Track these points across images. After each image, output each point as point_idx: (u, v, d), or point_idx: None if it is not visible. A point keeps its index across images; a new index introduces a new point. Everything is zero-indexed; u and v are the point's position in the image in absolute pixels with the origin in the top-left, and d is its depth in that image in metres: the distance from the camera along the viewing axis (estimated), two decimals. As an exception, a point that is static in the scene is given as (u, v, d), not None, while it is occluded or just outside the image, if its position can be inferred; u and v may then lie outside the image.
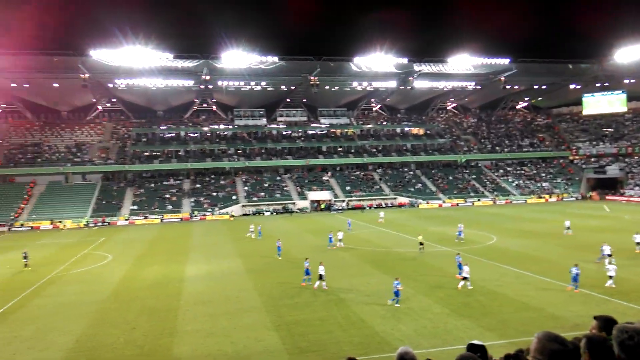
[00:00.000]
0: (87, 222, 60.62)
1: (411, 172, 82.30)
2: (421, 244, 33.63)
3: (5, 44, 58.88)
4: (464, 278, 22.81)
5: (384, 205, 70.86)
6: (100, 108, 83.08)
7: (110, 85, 74.37)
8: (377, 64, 74.42)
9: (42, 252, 40.25)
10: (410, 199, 72.24)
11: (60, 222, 59.72)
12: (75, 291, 25.64)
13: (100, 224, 60.51)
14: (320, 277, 23.65)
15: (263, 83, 77.99)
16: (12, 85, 69.92)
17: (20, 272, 31.73)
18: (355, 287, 23.82)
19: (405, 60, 75.03)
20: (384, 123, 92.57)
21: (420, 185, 77.40)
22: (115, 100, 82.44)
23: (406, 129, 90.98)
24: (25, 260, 32.49)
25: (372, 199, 72.15)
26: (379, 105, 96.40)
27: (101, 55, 62.50)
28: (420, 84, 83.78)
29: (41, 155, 71.78)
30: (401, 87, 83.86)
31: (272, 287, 24.69)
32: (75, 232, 54.69)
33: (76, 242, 45.48)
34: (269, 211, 67.37)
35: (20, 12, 66.98)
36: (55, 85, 70.49)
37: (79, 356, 16.12)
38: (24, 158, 70.69)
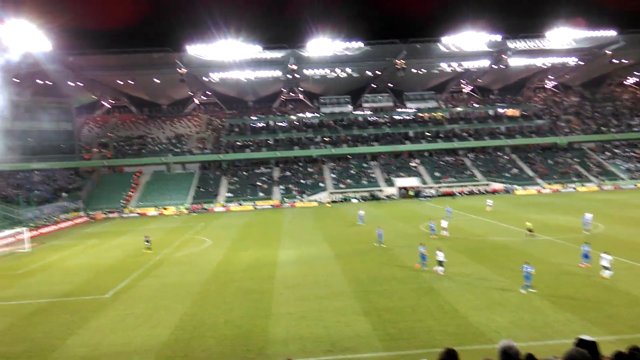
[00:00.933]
0: (187, 208, 64.74)
1: (506, 157, 78.30)
2: (530, 230, 32.44)
3: (108, 44, 64.13)
4: (605, 267, 21.31)
5: (477, 192, 68.23)
6: (196, 101, 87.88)
7: (205, 79, 78.27)
8: (467, 43, 71.29)
9: (149, 236, 43.67)
10: (505, 185, 68.86)
11: (164, 208, 64.37)
12: (179, 272, 27.59)
13: (199, 210, 64.37)
14: (440, 263, 23.62)
15: (348, 69, 77.87)
16: (119, 82, 76.07)
17: (132, 254, 34.72)
18: (447, 276, 23.26)
19: (498, 38, 71.13)
20: (476, 105, 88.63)
21: (516, 170, 73.45)
22: (209, 92, 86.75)
23: (500, 110, 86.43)
24: (147, 244, 35.28)
25: (463, 186, 69.73)
26: (470, 87, 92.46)
27: (196, 50, 65.92)
28: (515, 62, 79.08)
29: (145, 146, 77.59)
30: (494, 67, 79.74)
31: (360, 272, 24.83)
32: (177, 218, 58.66)
33: (178, 227, 48.76)
34: (356, 198, 67.59)
35: (123, 13, 72.40)
36: (156, 80, 75.51)
37: (183, 333, 17.33)
38: (130, 150, 76.86)
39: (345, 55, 71.72)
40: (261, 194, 68.79)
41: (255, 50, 67.91)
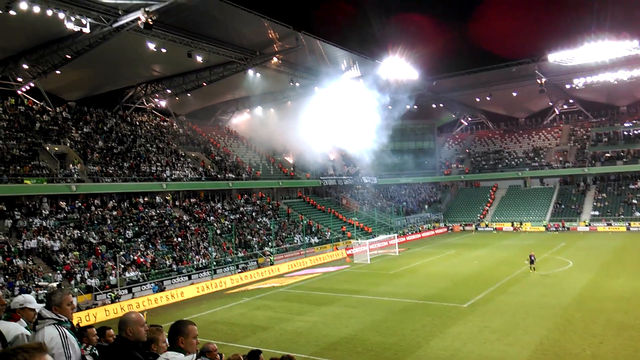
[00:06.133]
0: (545, 225, 60.97)
1: None
2: None
3: (466, 64, 66.92)
4: None
5: None
6: (556, 111, 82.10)
7: (567, 87, 72.22)
8: None
9: (504, 252, 43.32)
10: None
11: (520, 224, 62.52)
12: (537, 293, 26.19)
13: (559, 228, 59.59)
14: None
15: None
16: (477, 99, 78.52)
17: (488, 267, 35.13)
18: None
19: None
20: None
21: None
22: (572, 101, 79.57)
23: None
24: (532, 264, 32.40)
25: None
26: None
27: (558, 57, 61.60)
28: None
29: (501, 161, 77.33)
30: None
31: None
32: (534, 235, 55.94)
33: (535, 245, 46.24)
34: None
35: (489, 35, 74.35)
36: (514, 94, 74.37)
37: (542, 357, 16.34)
38: (487, 165, 78.05)
39: None
40: (637, 214, 58.25)
41: (630, 47, 58.40)
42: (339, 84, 54.47)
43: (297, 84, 54.46)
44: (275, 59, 46.87)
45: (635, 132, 71.04)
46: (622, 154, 68.83)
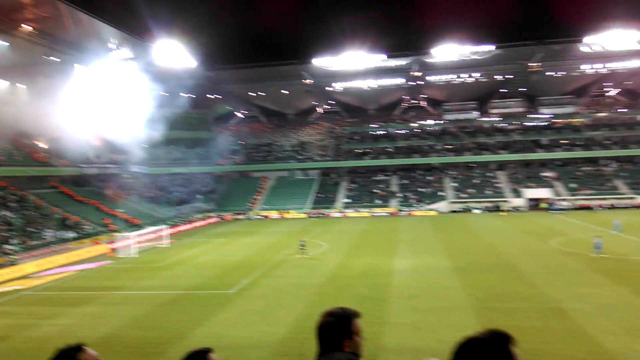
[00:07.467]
0: (307, 213, 66.96)
1: (658, 168, 68.98)
2: None
3: (242, 59, 68.75)
4: None
5: (621, 206, 60.98)
6: (320, 110, 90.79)
7: (329, 89, 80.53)
8: (615, 42, 64.26)
9: (271, 238, 46.00)
10: (656, 200, 60.61)
11: (286, 212, 67.33)
12: (297, 274, 28.61)
13: (318, 215, 66.18)
14: None
15: (476, 74, 74.70)
16: (251, 94, 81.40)
17: (256, 253, 36.76)
18: (581, 297, 21.06)
19: (653, 35, 63.11)
20: (622, 110, 79.41)
21: (671, 183, 64.35)
22: (332, 102, 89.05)
23: (652, 115, 76.45)
24: (302, 248, 34.58)
25: (603, 199, 62.80)
26: (616, 90, 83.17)
27: (322, 62, 68.06)
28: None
29: (272, 153, 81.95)
30: (646, 67, 70.91)
31: (482, 288, 23.49)
32: (298, 222, 60.92)
33: (298, 231, 50.53)
34: (478, 209, 64.32)
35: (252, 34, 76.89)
36: (284, 91, 79.45)
37: (299, 333, 17.86)
38: (258, 156, 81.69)
39: (474, 59, 68.89)
40: (378, 202, 68.70)
41: (379, 59, 68.27)
42: (106, 63, 49.91)
43: (55, 59, 47.85)
44: (26, 27, 40.22)
45: (380, 132, 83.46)
46: (368, 150, 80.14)
